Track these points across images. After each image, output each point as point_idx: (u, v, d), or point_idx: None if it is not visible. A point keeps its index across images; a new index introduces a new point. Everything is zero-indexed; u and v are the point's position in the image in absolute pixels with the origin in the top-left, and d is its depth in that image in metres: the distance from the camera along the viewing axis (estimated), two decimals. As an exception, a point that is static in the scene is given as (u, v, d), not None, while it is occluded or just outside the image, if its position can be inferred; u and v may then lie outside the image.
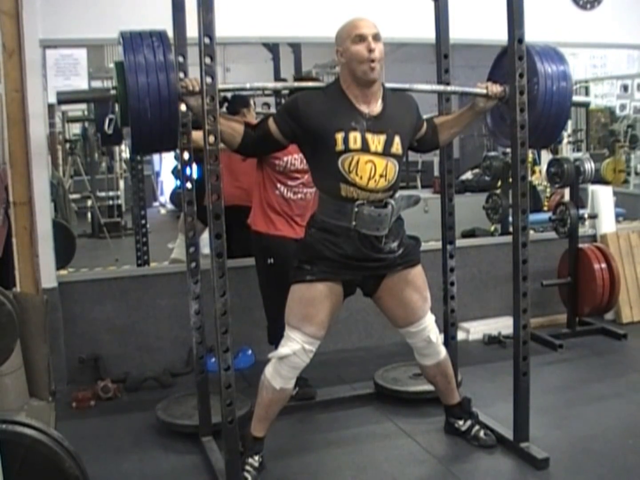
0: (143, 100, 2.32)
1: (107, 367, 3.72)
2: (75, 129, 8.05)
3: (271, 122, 2.59)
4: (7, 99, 3.27)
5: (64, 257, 4.27)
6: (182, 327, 3.50)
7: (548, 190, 6.26)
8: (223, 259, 2.37)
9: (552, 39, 4.34)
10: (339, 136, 2.53)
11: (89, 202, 7.00)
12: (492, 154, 5.44)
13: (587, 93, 8.02)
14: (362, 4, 3.85)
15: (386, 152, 2.57)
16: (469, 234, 5.58)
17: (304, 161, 3.24)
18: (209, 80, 2.31)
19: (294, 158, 3.23)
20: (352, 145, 2.53)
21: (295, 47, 4.60)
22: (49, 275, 3.52)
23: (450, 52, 3.04)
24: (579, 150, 6.89)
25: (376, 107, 2.61)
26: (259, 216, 3.32)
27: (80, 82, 3.56)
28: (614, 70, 7.53)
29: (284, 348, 2.60)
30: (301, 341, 2.59)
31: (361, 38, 2.52)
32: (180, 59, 2.70)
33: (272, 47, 4.65)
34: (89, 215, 7.03)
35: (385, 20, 3.84)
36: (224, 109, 4.34)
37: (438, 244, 3.24)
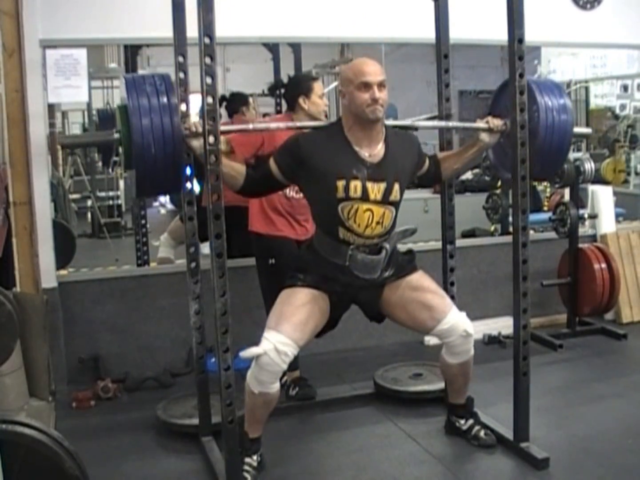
0: (147, 143, 2.35)
1: (107, 367, 3.72)
2: (75, 129, 8.06)
3: (272, 163, 2.60)
4: (7, 99, 3.27)
5: (64, 257, 4.27)
6: (182, 327, 3.50)
7: (548, 190, 6.27)
8: (223, 259, 2.37)
9: (552, 39, 4.39)
10: (340, 184, 2.54)
11: (89, 202, 7.01)
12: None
13: (587, 93, 8.03)
14: (362, 4, 3.87)
15: (385, 200, 2.60)
16: (469, 234, 5.59)
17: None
18: (209, 80, 2.31)
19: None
20: (352, 194, 2.55)
21: (295, 47, 4.60)
22: (49, 275, 3.51)
23: (450, 52, 3.04)
24: (579, 150, 6.90)
25: (377, 151, 2.61)
26: (258, 217, 3.32)
27: (80, 82, 3.56)
28: (614, 70, 7.54)
29: (257, 347, 2.52)
30: (274, 340, 2.50)
31: (366, 86, 2.51)
32: (180, 59, 2.71)
33: (272, 47, 4.65)
34: (89, 215, 7.03)
35: (385, 20, 3.89)
36: (223, 109, 4.36)
37: (438, 244, 3.23)
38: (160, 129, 2.37)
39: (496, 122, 2.74)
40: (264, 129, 3.01)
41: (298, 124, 2.93)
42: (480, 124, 2.77)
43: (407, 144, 2.74)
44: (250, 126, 2.83)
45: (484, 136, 2.77)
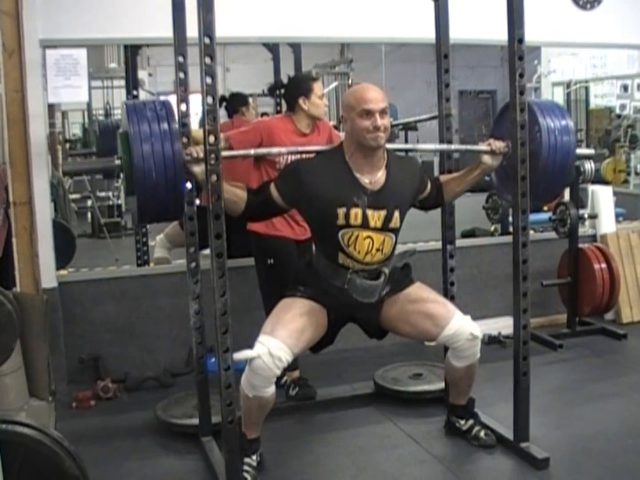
0: (148, 169, 2.36)
1: (107, 367, 3.72)
2: (75, 129, 8.07)
3: (272, 188, 2.62)
4: (7, 99, 3.27)
5: (64, 257, 4.27)
6: (182, 327, 3.50)
7: (548, 190, 6.25)
8: (223, 259, 2.37)
9: (552, 39, 4.39)
10: (341, 211, 2.55)
11: (89, 202, 7.01)
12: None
13: (587, 93, 8.04)
14: (362, 4, 3.87)
15: (385, 228, 2.61)
16: (469, 234, 5.59)
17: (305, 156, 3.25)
18: (209, 80, 2.31)
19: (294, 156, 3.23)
20: (352, 222, 2.57)
21: (295, 47, 4.60)
22: (49, 275, 3.51)
23: (450, 52, 3.05)
24: (579, 150, 6.88)
25: (378, 178, 2.62)
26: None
27: (80, 82, 3.57)
28: (614, 70, 7.54)
29: (250, 351, 2.49)
30: (268, 344, 2.48)
31: (368, 113, 2.51)
32: (180, 59, 2.71)
33: (272, 47, 4.65)
34: (89, 215, 7.03)
35: (385, 20, 3.89)
36: (223, 109, 4.36)
37: (438, 244, 3.23)
38: (161, 154, 2.38)
39: (498, 145, 2.74)
40: (266, 154, 3.05)
41: (300, 148, 2.97)
42: (482, 146, 2.77)
43: (409, 170, 2.75)
44: (252, 152, 2.88)
45: (487, 159, 2.75)
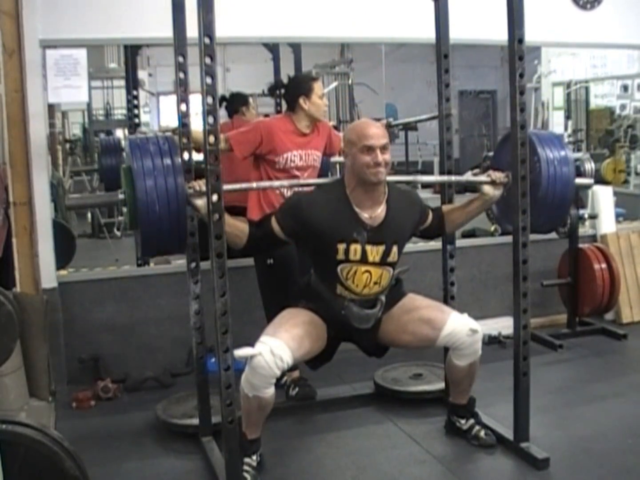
0: (152, 202, 2.40)
1: (107, 367, 3.71)
2: (75, 129, 8.06)
3: (274, 222, 2.64)
4: (7, 99, 3.27)
5: (64, 257, 4.26)
6: (182, 327, 3.49)
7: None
8: (223, 259, 2.38)
9: (552, 39, 4.39)
10: (341, 247, 2.59)
11: (89, 202, 6.98)
12: (492, 154, 5.43)
13: (587, 93, 8.03)
14: (362, 4, 3.87)
15: (383, 262, 2.64)
16: (469, 234, 5.57)
17: (303, 157, 3.26)
18: (209, 80, 2.31)
19: (294, 155, 3.24)
20: (352, 257, 2.60)
21: (295, 47, 4.61)
22: (49, 275, 3.51)
23: (450, 52, 3.05)
24: (579, 150, 6.89)
25: (378, 214, 2.64)
26: (257, 216, 3.31)
27: (80, 82, 3.57)
28: (614, 70, 7.54)
29: (252, 348, 2.50)
30: (270, 343, 2.49)
31: (369, 149, 2.54)
32: (180, 59, 2.71)
33: (272, 47, 4.65)
34: (89, 215, 7.02)
35: (385, 20, 3.89)
36: (223, 109, 4.36)
37: (438, 244, 3.24)
38: (164, 189, 2.42)
39: (498, 175, 2.75)
40: (267, 187, 3.08)
41: (302, 181, 2.98)
42: (482, 177, 2.79)
43: (409, 203, 2.77)
44: (254, 185, 2.92)
45: (488, 189, 2.77)
